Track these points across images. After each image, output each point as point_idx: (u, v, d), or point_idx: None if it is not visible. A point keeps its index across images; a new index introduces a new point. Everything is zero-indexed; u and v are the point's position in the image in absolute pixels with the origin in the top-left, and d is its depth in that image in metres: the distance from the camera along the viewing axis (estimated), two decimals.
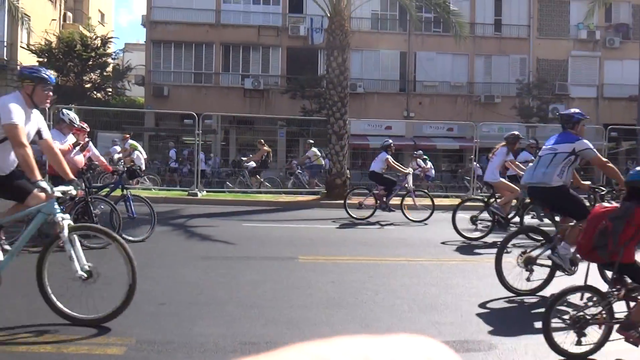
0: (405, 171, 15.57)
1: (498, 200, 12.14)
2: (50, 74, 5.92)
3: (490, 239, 11.71)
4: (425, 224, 14.17)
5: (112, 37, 35.69)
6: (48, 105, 5.94)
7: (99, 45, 33.87)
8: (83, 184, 9.76)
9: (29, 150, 5.45)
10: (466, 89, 37.19)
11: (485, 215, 12.37)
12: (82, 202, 9.75)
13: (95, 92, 34.53)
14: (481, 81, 37.35)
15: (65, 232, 5.43)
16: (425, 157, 24.21)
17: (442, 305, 6.61)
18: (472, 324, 5.88)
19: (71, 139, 9.95)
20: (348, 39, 19.67)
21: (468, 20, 32.03)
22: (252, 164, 21.24)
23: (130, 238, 9.99)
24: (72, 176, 5.86)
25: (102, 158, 11.13)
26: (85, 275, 5.45)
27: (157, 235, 10.60)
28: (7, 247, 5.78)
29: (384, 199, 15.10)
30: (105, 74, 35.05)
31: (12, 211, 6.02)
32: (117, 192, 10.93)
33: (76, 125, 10.06)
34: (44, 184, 5.37)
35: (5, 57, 32.34)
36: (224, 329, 5.59)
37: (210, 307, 6.35)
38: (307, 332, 5.60)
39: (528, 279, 7.20)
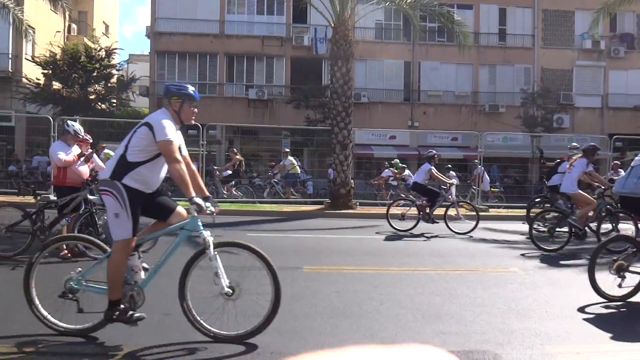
0: (450, 182, 15.32)
1: (576, 212, 12.08)
2: (195, 90, 5.94)
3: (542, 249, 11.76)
4: (470, 236, 13.90)
5: (116, 49, 35.78)
6: (193, 122, 5.95)
7: (103, 56, 33.98)
8: (88, 195, 9.82)
9: (184, 166, 5.50)
10: (470, 98, 37.20)
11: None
12: (87, 213, 9.77)
13: (99, 104, 34.59)
14: (485, 91, 37.36)
15: (212, 248, 5.53)
16: (403, 165, 23.91)
17: (447, 315, 6.58)
18: (477, 334, 5.85)
19: (76, 150, 9.98)
20: (352, 48, 19.71)
21: (472, 30, 32.11)
22: (229, 171, 21.09)
23: None
24: (207, 192, 5.85)
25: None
26: (231, 291, 5.50)
27: (162, 246, 10.57)
28: (145, 265, 5.76)
29: (427, 211, 14.75)
30: (109, 85, 35.11)
31: (152, 229, 6.01)
32: None
33: (81, 137, 10.09)
34: (199, 200, 5.42)
35: (10, 69, 32.50)
36: None
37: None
38: (312, 342, 5.58)
39: (620, 286, 7.32)
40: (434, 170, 14.92)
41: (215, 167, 22.38)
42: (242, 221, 15.86)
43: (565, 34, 37.69)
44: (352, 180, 19.73)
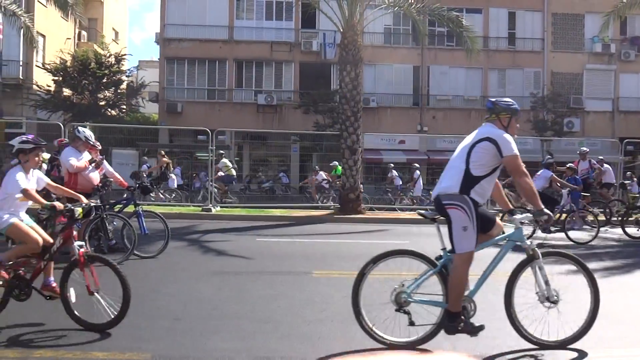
0: (572, 187, 14.71)
1: None
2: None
3: None
4: (591, 245, 13.36)
5: (125, 55, 35.94)
6: (516, 136, 5.98)
7: (113, 63, 34.14)
8: (98, 201, 9.83)
9: (530, 179, 5.65)
10: (480, 102, 37.05)
11: None
12: (98, 218, 9.79)
13: (109, 110, 34.77)
14: (495, 95, 37.15)
15: (540, 258, 5.62)
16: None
17: None
18: (487, 339, 5.81)
19: (87, 156, 10.01)
20: (361, 53, 19.70)
21: (481, 34, 32.08)
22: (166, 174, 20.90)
23: (140, 254, 9.99)
24: (511, 206, 5.97)
25: (116, 174, 11.15)
26: (557, 298, 5.63)
27: (172, 251, 10.60)
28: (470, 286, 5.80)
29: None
30: (119, 91, 35.28)
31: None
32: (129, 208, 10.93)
33: (91, 143, 10.11)
34: (548, 211, 5.52)
35: (20, 76, 32.67)
36: (239, 343, 5.57)
37: (225, 321, 6.34)
38: (322, 347, 5.56)
39: None
40: (555, 177, 14.54)
41: (142, 170, 22.18)
42: (251, 226, 15.85)
43: (575, 37, 37.57)
44: (361, 185, 19.68)
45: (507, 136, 5.61)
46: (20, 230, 6.25)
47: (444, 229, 5.70)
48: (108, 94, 34.71)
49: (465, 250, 5.53)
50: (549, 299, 5.59)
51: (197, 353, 5.33)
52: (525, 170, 5.58)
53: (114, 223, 10.36)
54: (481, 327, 5.51)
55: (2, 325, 5.93)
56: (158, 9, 37.27)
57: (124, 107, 36.17)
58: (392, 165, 24.72)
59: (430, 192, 23.42)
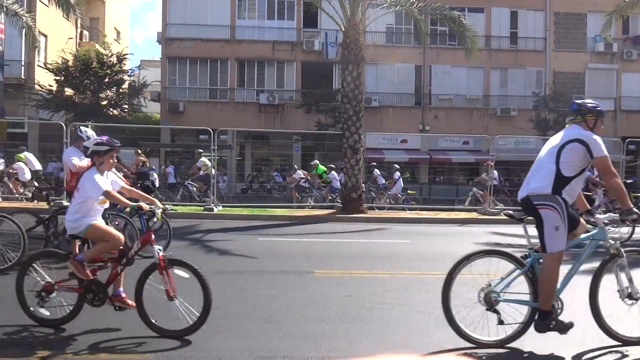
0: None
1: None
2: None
3: None
4: (625, 244, 13.48)
5: (127, 54, 35.93)
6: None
7: (114, 62, 34.14)
8: None
9: (620, 180, 5.79)
10: (482, 102, 37.08)
11: None
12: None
13: (111, 109, 34.76)
14: (497, 94, 37.22)
15: (624, 256, 5.73)
16: (331, 165, 23.10)
17: (458, 320, 6.54)
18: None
19: None
20: (363, 53, 19.68)
21: (483, 33, 32.04)
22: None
23: (142, 254, 9.98)
24: (588, 206, 6.14)
25: (117, 174, 11.14)
26: (639, 296, 5.74)
27: (174, 250, 10.59)
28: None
29: None
30: (121, 91, 35.28)
31: None
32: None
33: None
34: (637, 210, 5.64)
35: (22, 76, 32.68)
36: (241, 343, 5.58)
37: (227, 321, 6.34)
38: (324, 346, 5.57)
39: None
40: (592, 177, 14.37)
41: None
42: (253, 226, 15.86)
43: (577, 36, 37.50)
44: (363, 185, 19.68)
45: (597, 137, 5.73)
46: (101, 229, 6.21)
47: (531, 229, 5.78)
48: (110, 94, 34.71)
49: (556, 249, 5.62)
50: (631, 295, 5.69)
51: (198, 352, 5.34)
52: (615, 171, 5.72)
53: (116, 223, 10.36)
54: (570, 325, 5.60)
55: (4, 323, 5.93)
56: (159, 8, 37.38)
57: (126, 106, 36.15)
58: (374, 164, 24.78)
59: (409, 192, 23.64)
